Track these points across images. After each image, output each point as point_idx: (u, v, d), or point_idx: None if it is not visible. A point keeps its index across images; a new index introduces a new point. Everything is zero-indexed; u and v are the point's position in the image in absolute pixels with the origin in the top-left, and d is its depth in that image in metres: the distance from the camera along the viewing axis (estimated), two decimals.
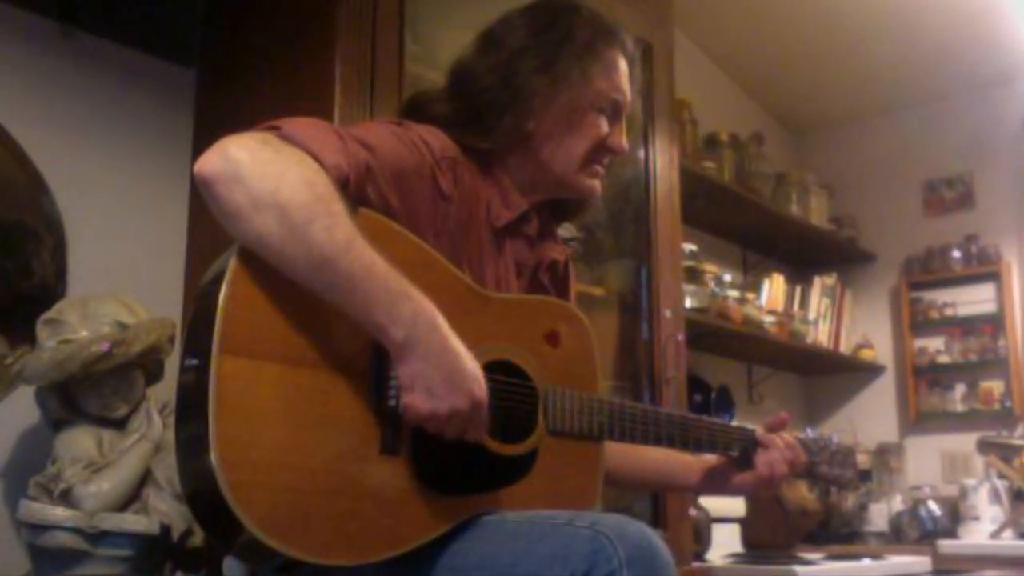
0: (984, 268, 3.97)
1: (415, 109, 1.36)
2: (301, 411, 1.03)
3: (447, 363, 1.06)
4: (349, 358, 1.08)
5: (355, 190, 1.11)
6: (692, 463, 1.56)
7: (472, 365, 1.09)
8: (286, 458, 1.01)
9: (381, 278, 1.04)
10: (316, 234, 1.02)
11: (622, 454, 1.50)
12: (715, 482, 1.53)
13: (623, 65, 1.40)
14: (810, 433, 1.62)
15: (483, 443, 1.16)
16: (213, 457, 0.96)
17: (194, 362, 1.01)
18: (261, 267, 1.04)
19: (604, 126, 1.37)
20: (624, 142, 1.41)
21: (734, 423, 1.55)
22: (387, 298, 1.04)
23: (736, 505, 2.91)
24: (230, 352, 0.99)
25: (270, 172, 1.02)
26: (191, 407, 1.00)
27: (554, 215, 1.47)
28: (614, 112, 1.39)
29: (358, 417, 1.07)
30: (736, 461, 1.50)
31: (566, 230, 1.98)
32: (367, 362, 1.09)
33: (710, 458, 1.53)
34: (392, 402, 1.09)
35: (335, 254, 1.02)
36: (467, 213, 1.27)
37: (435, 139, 1.24)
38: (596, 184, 1.40)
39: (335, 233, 1.03)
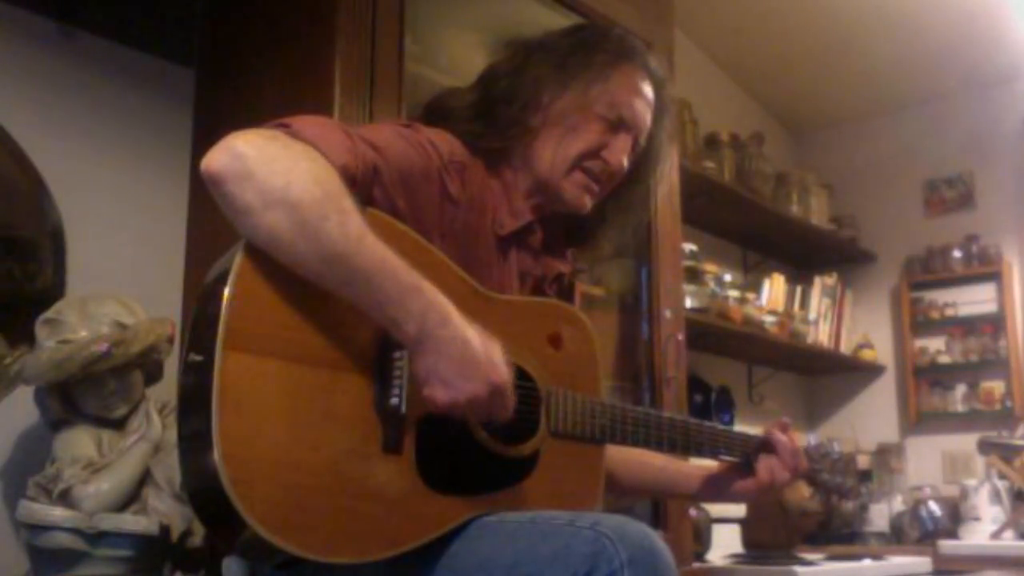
0: (984, 268, 3.96)
1: (436, 105, 1.37)
2: (304, 408, 1.03)
3: (460, 353, 1.05)
4: (353, 356, 1.08)
5: (362, 190, 1.10)
6: (693, 470, 1.55)
7: (488, 351, 1.08)
8: (289, 455, 1.01)
9: (393, 273, 1.04)
10: (328, 230, 1.01)
11: (622, 461, 1.49)
12: (716, 489, 1.52)
13: (644, 88, 1.38)
14: (812, 440, 1.63)
15: (487, 443, 1.16)
16: (216, 453, 0.95)
17: (198, 358, 1.01)
18: (266, 265, 1.03)
19: (603, 136, 1.34)
20: (622, 160, 1.36)
21: (735, 427, 1.55)
22: (399, 293, 1.04)
23: (737, 506, 2.91)
24: (234, 348, 0.99)
25: (279, 169, 1.02)
26: (194, 403, 1.00)
27: (566, 238, 1.46)
28: (619, 127, 1.35)
29: (361, 415, 1.07)
30: (737, 467, 1.49)
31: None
32: (370, 360, 1.09)
33: (711, 464, 1.52)
34: (395, 400, 1.09)
35: (347, 250, 1.02)
36: (474, 218, 1.27)
37: (444, 142, 1.24)
38: (585, 198, 1.36)
39: (347, 229, 1.02)
